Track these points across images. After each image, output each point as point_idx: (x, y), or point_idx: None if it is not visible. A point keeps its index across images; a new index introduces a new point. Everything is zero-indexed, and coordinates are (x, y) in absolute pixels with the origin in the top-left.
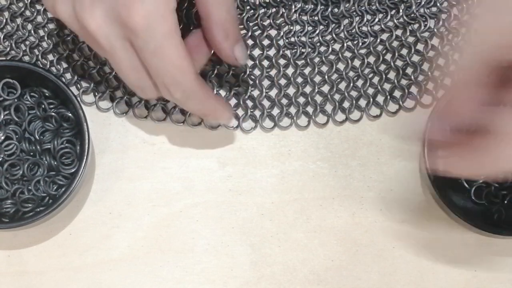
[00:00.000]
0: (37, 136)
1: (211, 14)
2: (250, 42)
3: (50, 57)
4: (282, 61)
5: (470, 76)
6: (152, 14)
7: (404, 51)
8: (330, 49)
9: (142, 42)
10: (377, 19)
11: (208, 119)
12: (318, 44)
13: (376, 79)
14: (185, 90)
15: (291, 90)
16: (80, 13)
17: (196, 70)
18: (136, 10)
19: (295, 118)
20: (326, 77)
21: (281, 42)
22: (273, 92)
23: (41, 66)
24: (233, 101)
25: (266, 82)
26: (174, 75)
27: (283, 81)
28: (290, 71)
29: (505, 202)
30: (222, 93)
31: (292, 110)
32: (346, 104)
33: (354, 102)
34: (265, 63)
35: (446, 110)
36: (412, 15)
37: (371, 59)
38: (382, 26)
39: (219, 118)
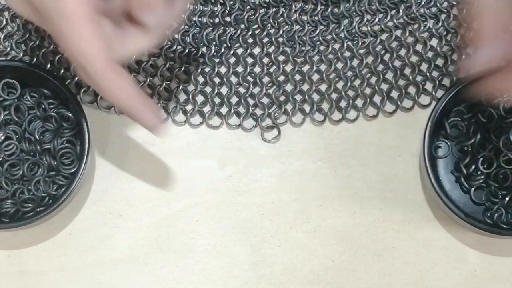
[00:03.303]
0: (37, 136)
1: None
2: (250, 40)
3: (50, 57)
4: (281, 58)
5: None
6: None
7: (403, 52)
8: (330, 48)
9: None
10: (377, 19)
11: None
12: (318, 43)
13: (373, 79)
14: (88, 75)
15: (288, 87)
16: None
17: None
18: None
19: (290, 114)
20: (324, 75)
21: (280, 40)
22: (271, 90)
23: (41, 66)
24: (234, 99)
25: (266, 79)
26: (77, 58)
27: (281, 78)
28: (288, 67)
29: (505, 202)
30: (223, 91)
31: (289, 107)
32: (343, 104)
33: (350, 101)
34: (265, 60)
35: (480, 39)
36: (412, 15)
37: (370, 59)
38: (382, 26)
39: (143, 123)
